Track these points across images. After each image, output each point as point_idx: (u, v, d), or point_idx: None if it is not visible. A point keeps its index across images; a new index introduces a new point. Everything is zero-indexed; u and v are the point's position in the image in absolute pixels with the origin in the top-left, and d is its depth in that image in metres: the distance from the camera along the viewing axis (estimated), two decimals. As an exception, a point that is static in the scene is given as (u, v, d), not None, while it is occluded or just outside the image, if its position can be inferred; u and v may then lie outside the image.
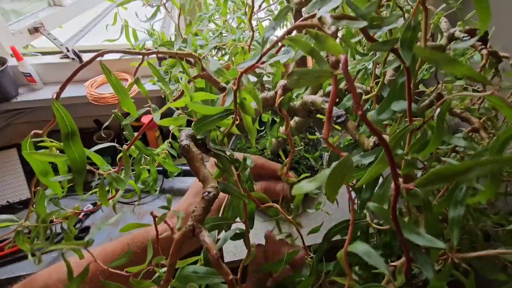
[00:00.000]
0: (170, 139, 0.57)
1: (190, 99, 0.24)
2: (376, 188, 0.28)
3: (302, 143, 0.81)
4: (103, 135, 1.11)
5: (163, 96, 1.00)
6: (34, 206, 0.35)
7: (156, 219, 0.27)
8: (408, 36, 0.18)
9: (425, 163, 0.44)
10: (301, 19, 0.20)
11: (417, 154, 0.22)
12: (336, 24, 0.17)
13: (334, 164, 0.15)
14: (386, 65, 0.29)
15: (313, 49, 0.16)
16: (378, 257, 0.16)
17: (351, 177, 0.15)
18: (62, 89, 0.27)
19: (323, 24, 0.18)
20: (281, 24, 0.23)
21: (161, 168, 0.98)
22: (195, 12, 0.77)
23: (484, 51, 0.46)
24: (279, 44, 0.23)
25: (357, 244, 0.17)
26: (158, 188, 1.03)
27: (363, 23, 0.17)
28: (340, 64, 0.14)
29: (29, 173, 1.08)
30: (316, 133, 1.01)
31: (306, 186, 0.17)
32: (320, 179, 0.16)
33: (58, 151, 0.31)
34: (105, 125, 0.44)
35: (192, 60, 0.36)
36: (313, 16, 0.21)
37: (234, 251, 0.89)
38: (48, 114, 1.02)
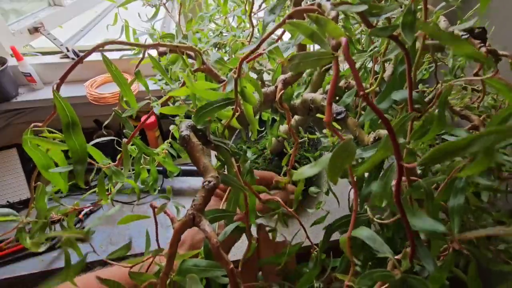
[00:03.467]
0: (170, 139, 0.57)
1: (192, 87, 0.24)
2: (378, 179, 0.28)
3: (306, 136, 0.82)
4: (104, 132, 1.11)
5: (163, 96, 1.01)
6: (34, 202, 0.35)
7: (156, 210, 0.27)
8: (409, 19, 0.18)
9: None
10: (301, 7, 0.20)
11: (419, 140, 0.22)
12: (336, 9, 0.17)
13: (336, 147, 0.15)
14: (385, 55, 0.29)
15: (314, 32, 0.16)
16: (382, 242, 0.16)
17: (351, 161, 0.15)
18: (62, 80, 0.27)
19: (323, 11, 0.18)
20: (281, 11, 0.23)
21: (160, 168, 0.98)
22: (195, 12, 0.77)
23: (483, 49, 0.46)
24: (280, 31, 0.23)
25: (360, 229, 0.17)
26: (159, 188, 1.03)
27: (363, 7, 0.17)
28: (341, 47, 0.14)
29: (29, 173, 1.08)
30: (316, 133, 1.02)
31: (307, 171, 0.17)
32: (322, 163, 0.16)
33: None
34: (106, 122, 0.44)
35: (192, 54, 0.36)
36: (313, 4, 0.21)
37: (234, 251, 0.89)
38: (48, 113, 1.02)
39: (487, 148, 0.10)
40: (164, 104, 0.35)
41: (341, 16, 0.44)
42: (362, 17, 0.19)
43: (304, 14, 0.18)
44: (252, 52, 0.21)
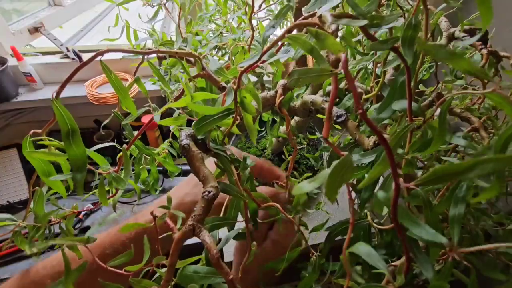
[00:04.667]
0: (170, 139, 0.57)
1: (190, 98, 0.24)
2: (377, 188, 0.28)
3: (305, 140, 0.82)
4: (102, 132, 1.11)
5: (163, 96, 1.01)
6: (32, 206, 0.35)
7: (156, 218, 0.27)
8: (409, 34, 0.18)
9: (425, 162, 0.44)
10: (301, 18, 0.20)
11: (418, 153, 0.22)
12: (336, 23, 0.17)
13: (333, 164, 0.15)
14: (386, 64, 0.29)
15: (313, 47, 0.16)
16: (378, 258, 0.16)
17: (350, 177, 0.15)
18: (62, 88, 0.27)
19: (324, 23, 0.18)
20: (281, 24, 0.23)
21: (160, 168, 0.98)
22: (195, 12, 0.77)
23: (484, 51, 0.46)
24: (279, 43, 0.23)
25: (359, 245, 0.17)
26: (160, 188, 1.03)
27: (363, 22, 0.17)
28: (340, 63, 0.14)
29: (29, 172, 1.08)
30: (316, 133, 1.01)
31: (306, 186, 0.17)
32: (320, 179, 0.16)
33: (57, 151, 0.31)
34: (104, 123, 0.44)
35: (192, 59, 0.36)
36: (313, 15, 0.21)
37: (234, 251, 0.89)
38: (48, 114, 1.02)
39: (499, 174, 0.10)
40: (164, 112, 0.35)
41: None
42: (363, 30, 0.19)
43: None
44: (251, 65, 0.21)
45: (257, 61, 0.21)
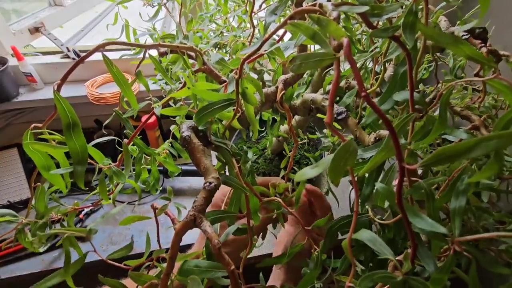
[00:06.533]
0: (171, 139, 0.57)
1: (193, 88, 0.24)
2: (379, 179, 0.28)
3: (306, 137, 0.81)
4: (104, 131, 1.11)
5: (163, 96, 1.01)
6: (33, 202, 0.35)
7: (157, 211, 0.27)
8: (410, 19, 0.18)
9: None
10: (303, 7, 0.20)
11: (420, 142, 0.22)
12: (337, 10, 0.17)
13: (337, 148, 0.15)
14: (387, 55, 0.29)
15: (315, 33, 0.16)
16: (383, 243, 0.16)
17: (353, 162, 0.15)
18: (63, 80, 0.27)
19: (324, 12, 0.18)
20: (282, 12, 0.23)
21: (161, 168, 0.98)
22: (196, 12, 0.77)
23: (484, 49, 0.46)
24: (281, 32, 0.23)
25: (361, 231, 0.17)
26: (160, 188, 1.02)
27: (364, 8, 0.17)
28: (343, 48, 0.14)
29: (29, 172, 1.08)
30: (317, 133, 1.02)
31: (308, 172, 0.17)
32: (323, 164, 0.16)
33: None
34: (106, 122, 0.44)
35: (193, 54, 0.36)
36: (314, 5, 0.21)
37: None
38: (48, 113, 1.02)
39: (497, 153, 0.10)
40: (165, 105, 0.35)
41: (342, 16, 0.44)
42: (364, 18, 0.19)
43: (306, 15, 0.18)
44: (254, 53, 0.21)
45: (258, 49, 0.21)
